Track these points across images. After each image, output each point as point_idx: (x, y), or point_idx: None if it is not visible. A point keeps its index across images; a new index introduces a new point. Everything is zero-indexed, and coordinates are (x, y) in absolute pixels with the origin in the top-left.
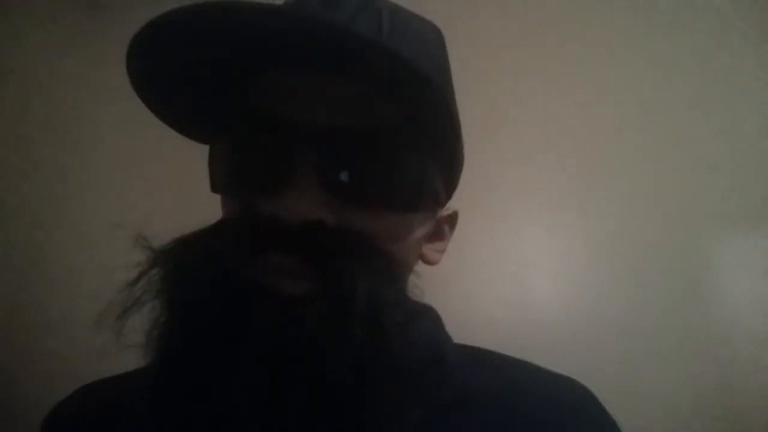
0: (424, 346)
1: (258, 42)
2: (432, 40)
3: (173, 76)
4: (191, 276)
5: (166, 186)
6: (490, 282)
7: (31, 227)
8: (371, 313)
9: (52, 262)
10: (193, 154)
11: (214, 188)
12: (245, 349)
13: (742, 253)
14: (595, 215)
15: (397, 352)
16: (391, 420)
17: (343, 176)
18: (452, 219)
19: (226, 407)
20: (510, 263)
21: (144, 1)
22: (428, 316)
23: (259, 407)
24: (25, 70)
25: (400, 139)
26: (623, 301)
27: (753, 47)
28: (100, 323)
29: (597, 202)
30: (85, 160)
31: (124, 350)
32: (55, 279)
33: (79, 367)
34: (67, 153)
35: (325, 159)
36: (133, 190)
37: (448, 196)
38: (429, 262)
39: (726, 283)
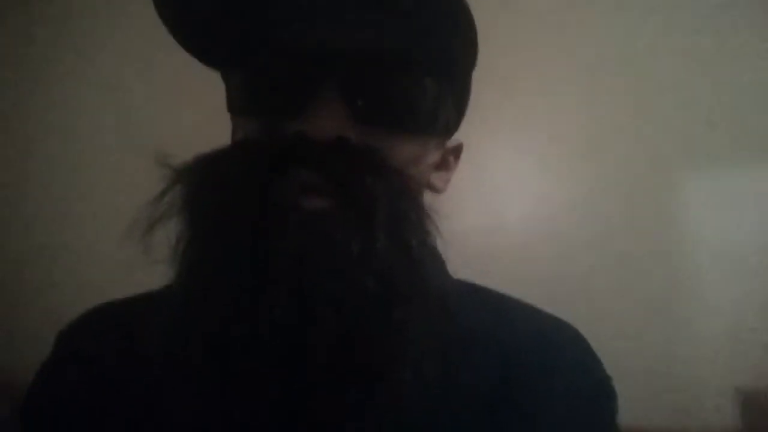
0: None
1: None
2: None
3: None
4: (217, 191)
5: (183, 104)
6: (460, 205)
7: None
8: (394, 226)
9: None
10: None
11: (232, 109)
12: (274, 262)
13: (707, 188)
14: (568, 141)
15: (421, 265)
16: (412, 349)
17: (367, 97)
18: (457, 150)
19: (256, 321)
20: (481, 187)
21: None
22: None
23: (289, 320)
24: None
25: (421, 63)
26: (592, 226)
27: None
28: (126, 238)
29: (571, 129)
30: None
31: (151, 265)
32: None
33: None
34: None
35: (350, 80)
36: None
37: (456, 127)
38: (436, 190)
39: (691, 216)
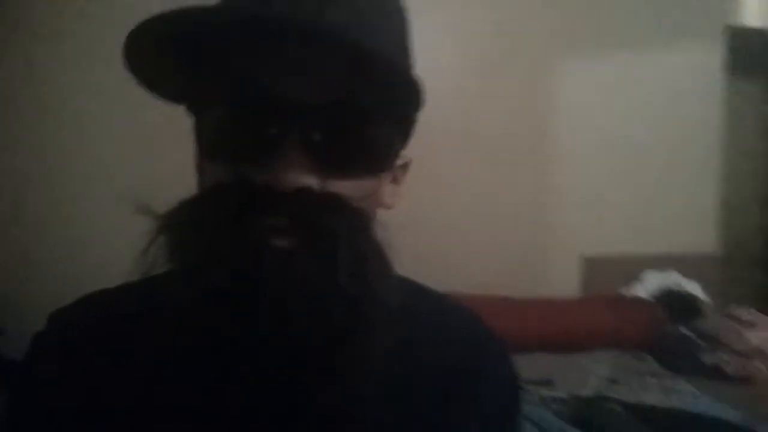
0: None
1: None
2: (393, 8)
3: (155, 49)
4: (198, 241)
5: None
6: None
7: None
8: (354, 262)
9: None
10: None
11: (201, 152)
12: (250, 297)
13: (578, 70)
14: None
15: (378, 294)
16: (373, 349)
17: (327, 148)
18: (405, 166)
19: (236, 344)
20: None
21: None
22: None
23: (264, 345)
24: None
25: (374, 112)
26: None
27: None
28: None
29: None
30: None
31: None
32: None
33: None
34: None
35: (311, 132)
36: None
37: (403, 148)
38: (387, 206)
39: (563, 94)
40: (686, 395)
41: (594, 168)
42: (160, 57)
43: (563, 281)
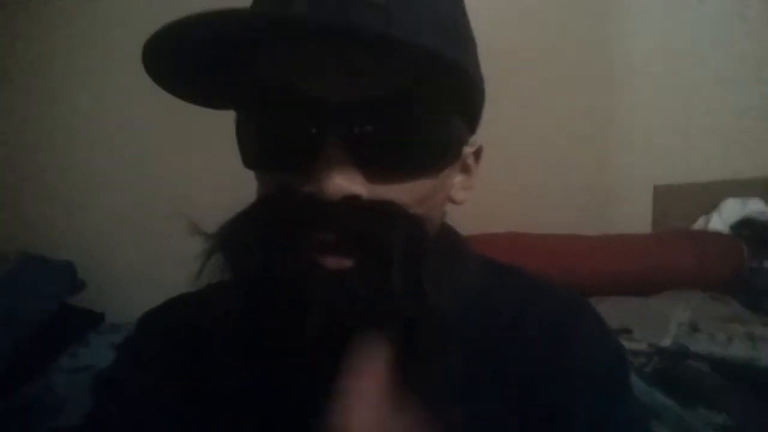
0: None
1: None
2: None
3: (182, 54)
4: (248, 261)
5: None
6: None
7: None
8: (410, 276)
9: None
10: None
11: (246, 163)
12: (304, 319)
13: None
14: None
15: (437, 308)
16: (439, 365)
17: (374, 151)
18: (477, 153)
19: (289, 372)
20: None
21: None
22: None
23: (318, 372)
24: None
25: (423, 105)
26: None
27: None
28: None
29: None
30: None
31: None
32: None
33: None
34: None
35: (355, 134)
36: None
37: (472, 134)
38: (456, 202)
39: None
40: None
41: (664, 88)
42: (180, 61)
43: (634, 214)
